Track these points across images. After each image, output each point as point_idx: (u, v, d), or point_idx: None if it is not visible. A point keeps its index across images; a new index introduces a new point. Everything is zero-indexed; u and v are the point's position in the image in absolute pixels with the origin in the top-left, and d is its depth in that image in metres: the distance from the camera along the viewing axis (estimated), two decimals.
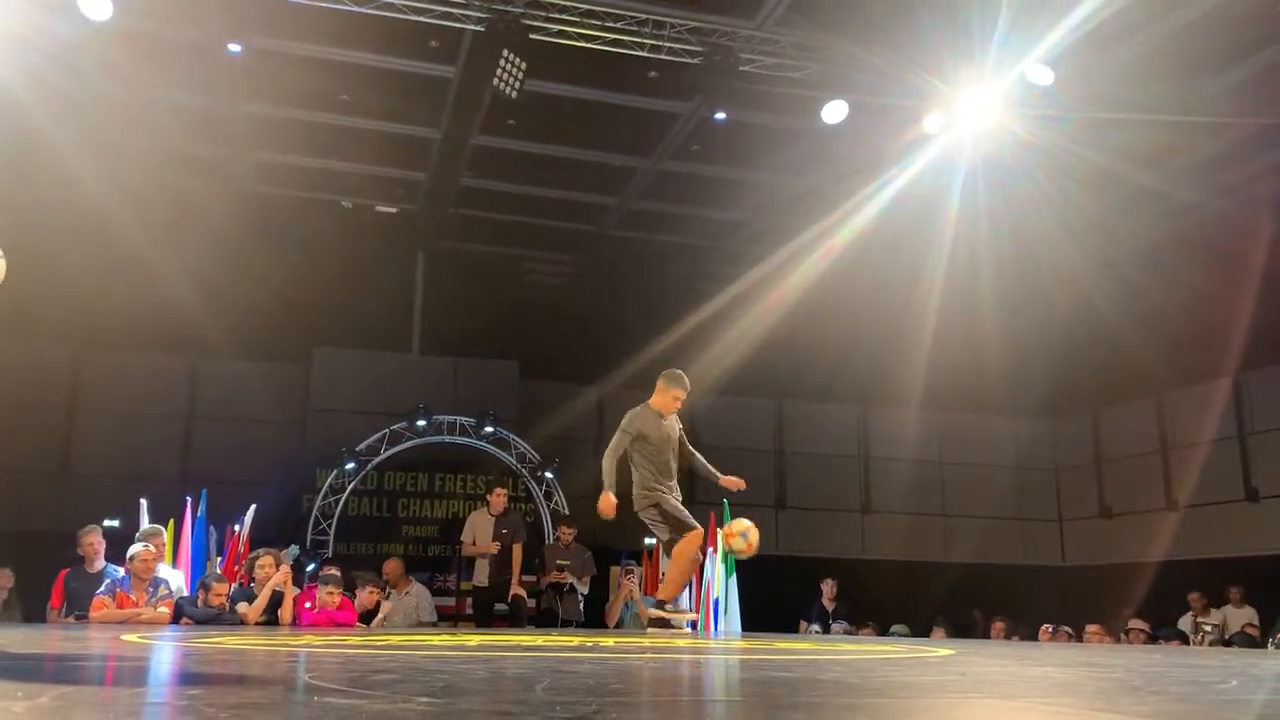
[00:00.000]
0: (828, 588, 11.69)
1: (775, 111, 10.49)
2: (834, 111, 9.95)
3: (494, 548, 9.57)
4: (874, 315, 13.47)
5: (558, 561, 9.89)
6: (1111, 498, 15.05)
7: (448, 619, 11.00)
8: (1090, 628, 9.87)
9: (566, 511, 11.87)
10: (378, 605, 8.60)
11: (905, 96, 9.86)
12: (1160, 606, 11.38)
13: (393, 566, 9.84)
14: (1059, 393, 15.43)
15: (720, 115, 10.08)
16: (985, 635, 11.32)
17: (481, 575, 9.74)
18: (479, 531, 9.76)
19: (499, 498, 9.81)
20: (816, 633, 10.86)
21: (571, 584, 9.81)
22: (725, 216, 13.43)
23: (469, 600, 10.87)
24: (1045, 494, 16.11)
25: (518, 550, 9.62)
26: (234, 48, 9.13)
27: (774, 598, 11.07)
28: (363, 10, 8.80)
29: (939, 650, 4.74)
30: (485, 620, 9.74)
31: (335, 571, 8.68)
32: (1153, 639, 9.37)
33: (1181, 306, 12.33)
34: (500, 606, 9.75)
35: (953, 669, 3.38)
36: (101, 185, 10.48)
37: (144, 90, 10.23)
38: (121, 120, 10.70)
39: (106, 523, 8.75)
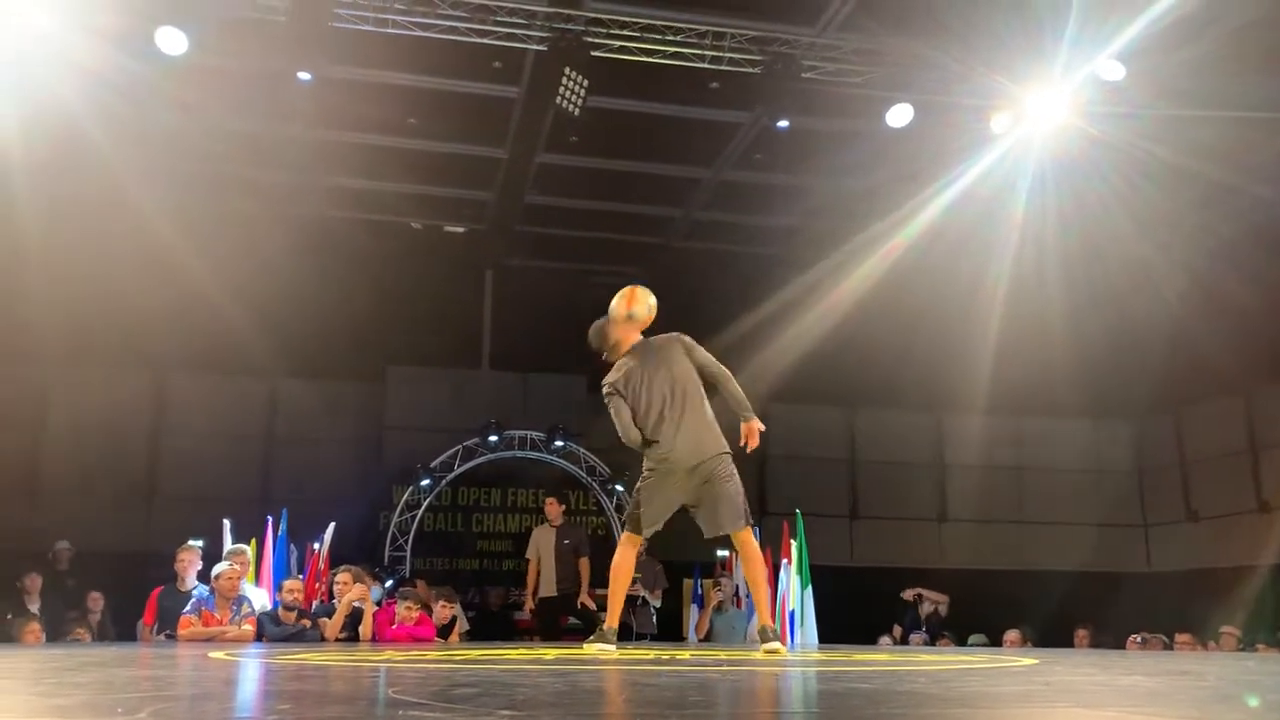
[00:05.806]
0: (910, 594, 11.37)
1: (838, 116, 10.42)
2: (899, 115, 9.85)
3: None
4: (944, 319, 13.27)
5: None
6: (1198, 501, 14.60)
7: (525, 634, 11.05)
8: (1180, 636, 9.56)
9: None
10: (453, 620, 8.69)
11: (971, 96, 9.72)
12: (1256, 612, 10.99)
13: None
14: (1139, 393, 15.02)
15: (783, 123, 10.06)
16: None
17: (548, 587, 9.53)
18: (542, 546, 9.61)
19: (551, 507, 9.68)
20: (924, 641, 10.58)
21: (644, 597, 9.76)
22: (789, 223, 13.34)
23: None
24: (1128, 498, 15.68)
25: (585, 565, 9.48)
26: (304, 76, 9.35)
27: (850, 609, 10.92)
28: (428, 35, 8.95)
29: (1022, 659, 4.65)
30: (550, 632, 9.55)
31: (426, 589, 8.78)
32: (1245, 646, 9.07)
33: (1264, 303, 11.94)
34: (572, 621, 9.71)
35: (1037, 678, 3.31)
36: (175, 216, 10.73)
37: (215, 120, 10.50)
38: (194, 151, 10.99)
39: (191, 542, 8.95)
